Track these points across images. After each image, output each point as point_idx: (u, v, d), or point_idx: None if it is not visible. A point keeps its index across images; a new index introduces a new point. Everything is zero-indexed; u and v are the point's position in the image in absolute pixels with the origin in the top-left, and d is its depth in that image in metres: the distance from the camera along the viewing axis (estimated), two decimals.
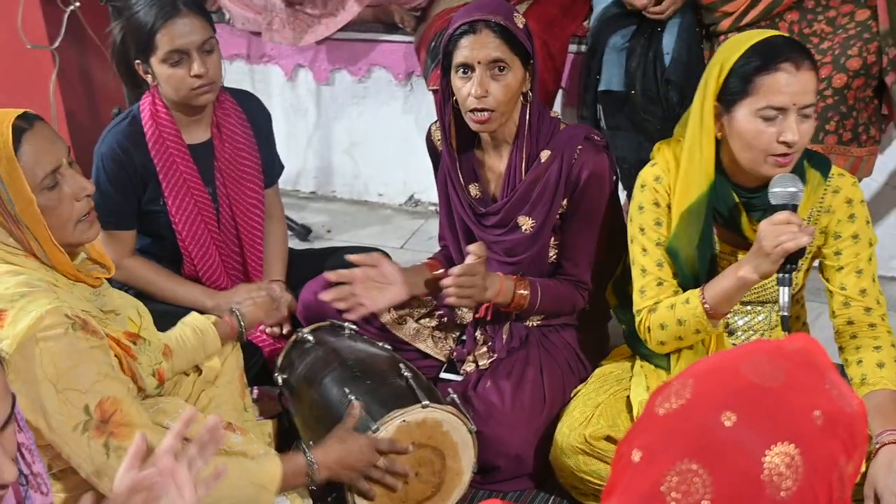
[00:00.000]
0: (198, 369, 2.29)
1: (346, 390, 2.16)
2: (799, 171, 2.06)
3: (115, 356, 1.84)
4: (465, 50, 2.27)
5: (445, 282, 2.31)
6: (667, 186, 2.18)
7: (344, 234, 3.78)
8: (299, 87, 4.00)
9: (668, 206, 2.19)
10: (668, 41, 3.11)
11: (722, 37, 3.10)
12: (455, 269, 2.31)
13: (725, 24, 3.06)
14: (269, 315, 2.48)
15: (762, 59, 1.96)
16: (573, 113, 3.42)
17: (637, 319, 2.22)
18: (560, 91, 3.48)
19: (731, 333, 2.26)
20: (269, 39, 3.68)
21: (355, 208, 4.03)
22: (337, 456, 1.99)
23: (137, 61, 2.55)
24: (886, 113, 2.98)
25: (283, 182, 4.10)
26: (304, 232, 3.73)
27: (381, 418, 2.05)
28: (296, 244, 3.59)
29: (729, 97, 2.02)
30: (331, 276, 2.44)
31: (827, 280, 2.17)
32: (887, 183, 3.31)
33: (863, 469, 1.97)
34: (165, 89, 2.56)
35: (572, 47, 3.42)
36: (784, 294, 1.98)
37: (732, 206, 2.11)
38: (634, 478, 0.85)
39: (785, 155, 1.97)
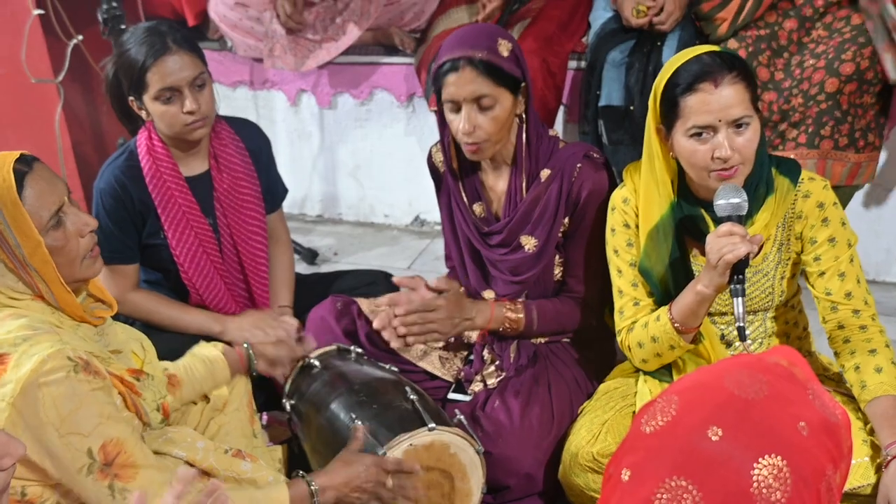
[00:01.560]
0: (206, 397, 2.28)
1: (353, 415, 2.15)
2: (767, 179, 2.08)
3: (119, 394, 1.84)
4: (451, 87, 2.27)
5: (395, 322, 2.32)
6: (634, 208, 2.22)
7: (351, 257, 3.78)
8: (303, 112, 4.01)
9: (637, 227, 2.22)
10: (668, 54, 3.10)
11: (722, 44, 3.10)
12: (399, 309, 2.32)
13: (723, 29, 3.05)
14: (277, 354, 2.44)
15: (682, 82, 1.99)
16: (575, 129, 3.42)
17: (618, 339, 2.25)
18: (561, 107, 3.48)
19: (728, 345, 2.25)
20: (271, 66, 3.70)
21: (362, 230, 4.03)
22: (342, 479, 1.98)
23: (131, 98, 2.54)
24: (883, 121, 2.97)
25: (289, 207, 4.14)
26: (310, 255, 3.74)
27: (387, 442, 2.04)
28: (303, 268, 3.61)
29: (665, 121, 2.05)
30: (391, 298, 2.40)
31: (812, 286, 2.16)
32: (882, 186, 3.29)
33: (874, 480, 1.96)
34: (159, 125, 2.56)
35: (572, 63, 3.42)
36: (737, 305, 1.97)
37: (699, 218, 2.12)
38: (624, 497, 0.85)
39: (724, 169, 1.99)
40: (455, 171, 2.52)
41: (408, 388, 2.22)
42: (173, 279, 2.71)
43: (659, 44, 3.14)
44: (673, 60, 2.06)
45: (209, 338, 2.51)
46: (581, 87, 3.32)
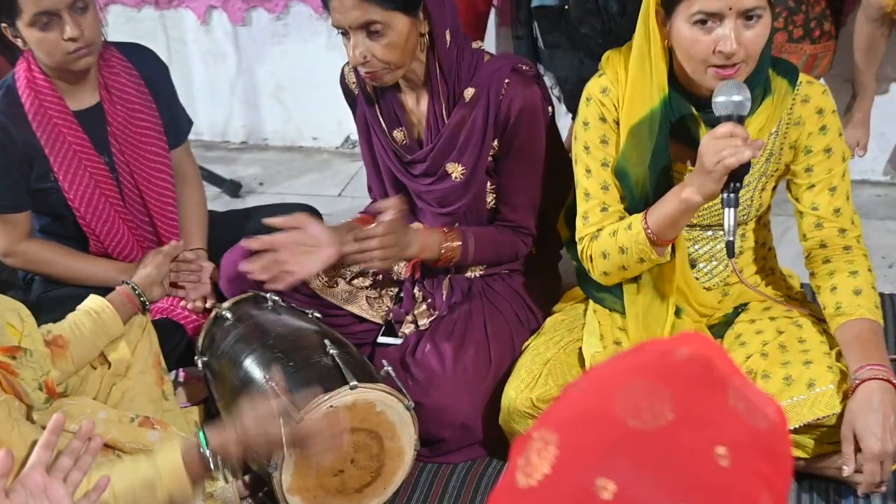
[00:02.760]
0: (107, 362, 2.09)
1: (266, 375, 1.94)
2: (763, 80, 1.86)
3: None
4: (336, 13, 2.02)
5: (370, 244, 2.07)
6: (615, 99, 1.98)
7: (278, 186, 3.53)
8: (215, 31, 3.73)
9: (616, 122, 1.98)
10: None
11: None
12: (377, 229, 2.06)
13: None
14: (161, 271, 2.26)
15: None
16: (507, 33, 3.16)
17: (579, 248, 2.04)
18: (493, 10, 3.20)
19: (692, 265, 2.07)
20: None
21: (289, 156, 3.79)
22: (236, 434, 1.74)
23: (3, 25, 2.27)
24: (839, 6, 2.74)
25: (211, 135, 3.89)
26: (233, 188, 3.47)
27: (304, 406, 1.82)
28: (226, 202, 3.37)
29: (667, 1, 1.80)
30: (252, 243, 2.17)
31: (797, 200, 1.99)
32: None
33: (839, 410, 1.80)
34: (39, 55, 2.30)
35: None
36: (729, 216, 1.79)
37: (689, 118, 1.91)
38: None
39: (725, 66, 1.76)
40: (370, 94, 2.27)
41: (327, 341, 2.00)
42: (70, 226, 2.47)
43: None
44: None
45: None
46: None
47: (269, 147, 3.88)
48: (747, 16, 1.74)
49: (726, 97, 1.75)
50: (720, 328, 2.09)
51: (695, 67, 1.81)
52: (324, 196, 3.35)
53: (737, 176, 1.75)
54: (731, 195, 1.77)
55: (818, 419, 1.84)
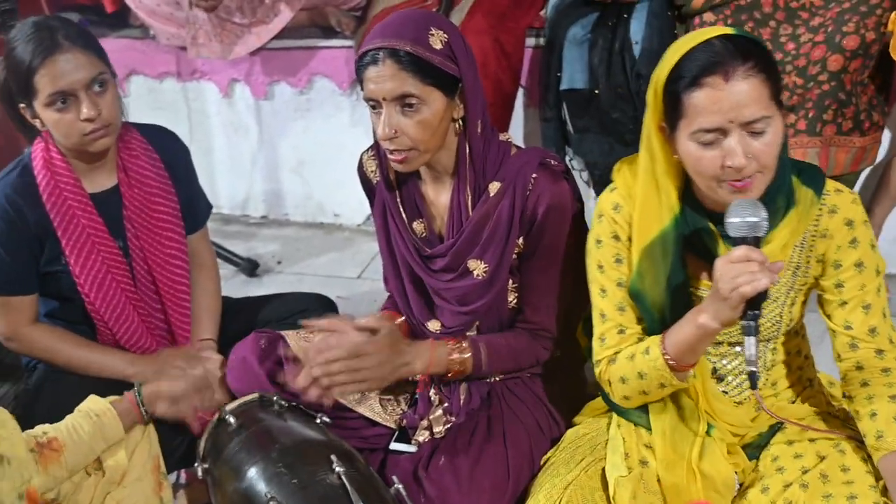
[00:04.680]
0: (101, 468, 2.00)
1: (269, 493, 1.84)
2: (786, 189, 1.75)
3: None
4: (370, 84, 1.94)
5: (314, 371, 1.97)
6: (627, 216, 1.88)
7: (296, 265, 3.47)
8: (237, 104, 3.72)
9: (630, 239, 1.88)
10: (637, 29, 2.79)
11: (697, 19, 2.73)
12: (319, 356, 1.97)
13: (697, 2, 2.69)
14: (174, 391, 2.17)
15: (686, 74, 1.66)
16: (536, 114, 3.09)
17: (596, 371, 1.93)
18: (521, 90, 3.13)
19: (719, 380, 1.95)
20: (195, 55, 3.36)
21: (310, 232, 3.75)
22: None
23: (22, 105, 2.23)
24: (885, 97, 2.63)
25: (231, 208, 3.83)
26: (250, 267, 3.39)
27: None
28: (242, 281, 3.29)
29: (669, 118, 1.72)
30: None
31: (829, 317, 1.86)
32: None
33: None
34: (55, 135, 2.25)
35: (530, 41, 3.12)
36: (749, 345, 1.67)
37: (706, 233, 1.80)
38: None
39: (738, 180, 1.65)
40: (391, 182, 2.18)
41: (334, 456, 1.88)
42: (79, 311, 2.38)
43: (625, 16, 2.81)
44: (676, 46, 1.73)
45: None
46: (540, 68, 2.97)
47: (290, 223, 3.84)
48: (752, 127, 1.64)
49: (740, 218, 1.65)
50: (755, 449, 1.95)
51: (707, 184, 1.71)
52: (343, 277, 3.27)
53: (754, 303, 1.64)
54: (751, 323, 1.66)
55: None
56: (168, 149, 2.46)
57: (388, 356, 2.03)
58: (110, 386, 2.18)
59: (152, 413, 2.10)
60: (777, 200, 1.74)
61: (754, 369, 1.68)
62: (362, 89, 1.99)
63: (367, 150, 2.26)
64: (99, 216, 2.32)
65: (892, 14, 2.48)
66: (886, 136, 2.83)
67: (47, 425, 1.91)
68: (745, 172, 1.65)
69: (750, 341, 1.67)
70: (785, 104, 2.59)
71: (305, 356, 2.06)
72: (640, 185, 1.83)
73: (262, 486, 1.88)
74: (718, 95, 1.62)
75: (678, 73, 1.68)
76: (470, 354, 2.11)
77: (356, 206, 3.70)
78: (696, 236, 1.80)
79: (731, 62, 1.63)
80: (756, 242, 1.65)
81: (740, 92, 1.62)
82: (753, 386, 1.70)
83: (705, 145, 1.66)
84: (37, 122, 2.24)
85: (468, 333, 2.18)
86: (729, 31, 1.69)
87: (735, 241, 1.66)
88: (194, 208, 2.53)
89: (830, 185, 1.81)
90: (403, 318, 2.26)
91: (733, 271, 1.61)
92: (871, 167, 2.83)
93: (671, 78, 1.69)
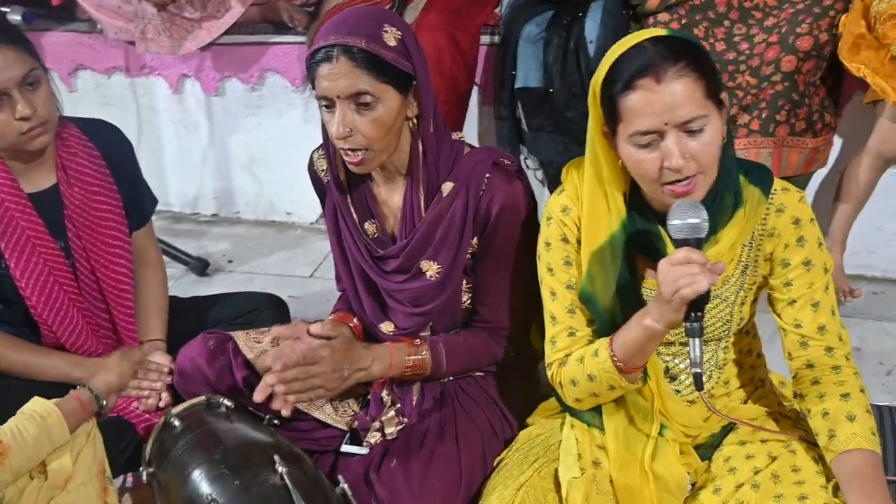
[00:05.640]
0: (45, 472, 1.95)
1: (211, 494, 1.82)
2: (732, 189, 1.75)
3: None
4: (323, 81, 1.90)
5: (269, 379, 1.97)
6: (575, 219, 1.87)
7: (247, 264, 3.41)
8: (187, 100, 3.65)
9: (579, 242, 1.87)
10: (591, 28, 2.78)
11: (651, 18, 2.73)
12: (276, 364, 1.97)
13: (653, 2, 2.69)
14: (124, 381, 2.18)
15: (619, 78, 1.65)
16: (491, 113, 3.06)
17: (548, 373, 1.93)
18: (476, 88, 3.11)
19: (672, 379, 1.94)
20: (144, 50, 3.29)
21: (261, 231, 3.69)
22: None
23: None
24: (836, 97, 2.65)
25: (181, 206, 3.77)
26: (200, 266, 3.33)
27: None
28: (192, 281, 3.23)
29: (609, 123, 1.71)
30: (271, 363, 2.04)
31: (778, 316, 1.86)
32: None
33: None
34: None
35: (485, 38, 3.09)
36: (694, 347, 1.67)
37: (654, 236, 1.79)
38: None
39: (678, 181, 1.65)
40: (342, 183, 2.14)
41: (277, 457, 1.85)
42: (21, 314, 2.32)
43: (580, 15, 2.80)
44: (612, 50, 1.71)
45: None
46: (495, 66, 2.96)
47: (241, 221, 3.78)
48: (688, 127, 1.63)
49: (681, 220, 1.64)
50: (707, 449, 1.95)
51: (649, 187, 1.70)
52: (294, 276, 3.23)
53: (697, 305, 1.63)
54: (694, 325, 1.65)
55: None
56: (109, 144, 2.40)
57: (342, 362, 2.02)
58: (54, 387, 2.14)
59: (111, 406, 2.08)
60: (725, 199, 1.74)
61: (699, 370, 1.67)
62: (314, 87, 1.96)
63: (318, 148, 2.23)
64: (38, 217, 2.26)
65: (843, 17, 2.50)
66: (838, 140, 2.84)
67: None
68: (684, 173, 1.64)
69: (694, 343, 1.66)
70: (738, 104, 2.60)
71: (262, 365, 2.04)
72: (586, 189, 1.82)
73: (204, 488, 1.86)
74: (651, 98, 1.61)
75: (612, 77, 1.67)
76: (428, 354, 2.09)
77: (308, 205, 3.66)
78: (644, 238, 1.80)
79: (662, 63, 1.62)
80: (698, 244, 1.64)
81: (673, 92, 1.61)
82: (699, 387, 1.69)
83: (643, 148, 1.65)
84: None
85: (423, 334, 2.16)
86: (661, 32, 1.68)
87: (677, 243, 1.65)
88: (138, 204, 2.47)
89: (778, 183, 1.81)
90: (357, 319, 2.23)
91: (674, 274, 1.61)
92: (826, 170, 2.85)
93: (606, 82, 1.68)
